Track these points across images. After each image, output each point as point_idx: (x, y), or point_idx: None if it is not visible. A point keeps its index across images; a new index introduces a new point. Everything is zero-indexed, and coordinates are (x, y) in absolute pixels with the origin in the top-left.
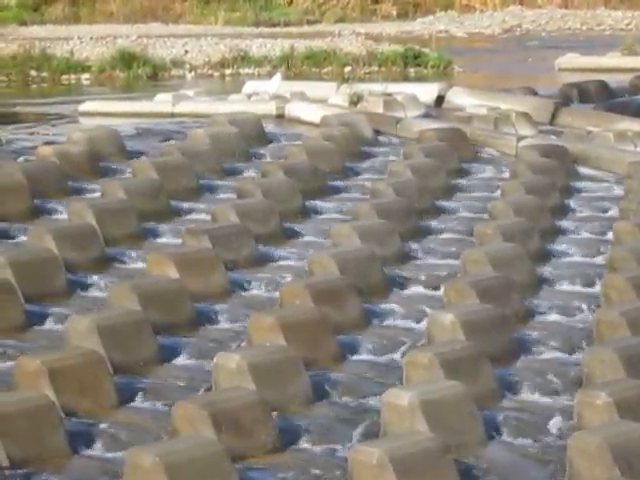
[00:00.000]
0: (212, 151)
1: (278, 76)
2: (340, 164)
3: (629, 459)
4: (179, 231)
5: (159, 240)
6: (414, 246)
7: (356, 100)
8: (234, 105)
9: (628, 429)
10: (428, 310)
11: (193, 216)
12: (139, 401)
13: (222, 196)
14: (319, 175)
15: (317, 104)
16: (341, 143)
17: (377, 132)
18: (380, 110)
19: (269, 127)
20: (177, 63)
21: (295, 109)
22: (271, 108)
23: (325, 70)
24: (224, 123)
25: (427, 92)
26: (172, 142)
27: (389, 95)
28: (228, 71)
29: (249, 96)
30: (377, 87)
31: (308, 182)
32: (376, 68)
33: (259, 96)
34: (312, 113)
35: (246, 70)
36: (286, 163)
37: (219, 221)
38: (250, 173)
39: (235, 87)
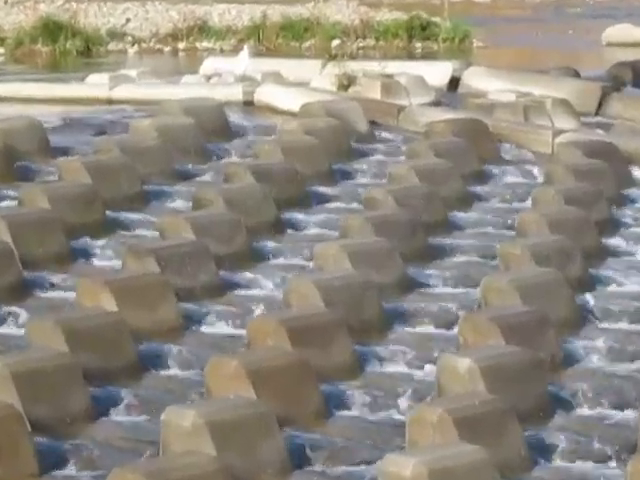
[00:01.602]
0: (161, 148)
1: (246, 52)
2: (326, 165)
3: None
4: (118, 250)
5: (92, 262)
6: (420, 271)
7: (347, 83)
8: (189, 89)
9: None
10: (438, 353)
11: (136, 231)
12: (66, 469)
13: (174, 205)
14: (299, 179)
15: (296, 88)
16: (327, 138)
17: (373, 124)
18: (377, 96)
19: (234, 117)
20: (116, 35)
21: (268, 94)
22: (237, 93)
23: (306, 44)
24: (176, 112)
25: (438, 73)
26: (109, 136)
27: (389, 77)
28: (182, 45)
29: (208, 77)
30: (374, 66)
31: (284, 188)
32: (373, 42)
33: (221, 77)
34: (290, 99)
35: (205, 44)
36: (256, 164)
37: (170, 238)
38: (209, 176)
39: (191, 66)
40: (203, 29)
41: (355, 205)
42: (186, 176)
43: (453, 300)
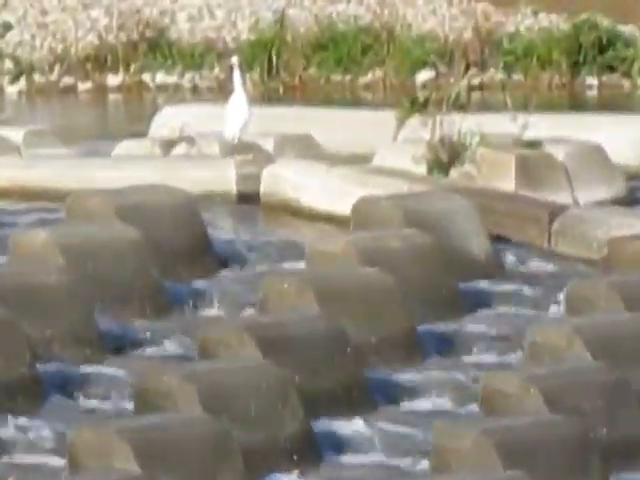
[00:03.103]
0: (72, 289)
1: (242, 93)
2: (404, 326)
3: None
4: None
5: None
6: None
7: (447, 159)
8: (130, 169)
9: None
10: None
11: (28, 457)
12: None
13: (98, 405)
14: (349, 355)
15: (344, 168)
16: (407, 272)
17: (501, 242)
18: (510, 186)
19: (220, 227)
20: None
21: (287, 181)
22: (226, 177)
23: (367, 78)
24: (104, 216)
25: (632, 139)
26: None
27: (533, 146)
28: (114, 78)
29: (169, 144)
30: (502, 125)
31: (320, 373)
32: (500, 75)
33: (194, 146)
34: (332, 192)
35: (160, 77)
36: (265, 323)
37: (92, 469)
38: (170, 346)
39: (133, 120)
40: (157, 46)
41: (465, 407)
42: (122, 345)
43: None
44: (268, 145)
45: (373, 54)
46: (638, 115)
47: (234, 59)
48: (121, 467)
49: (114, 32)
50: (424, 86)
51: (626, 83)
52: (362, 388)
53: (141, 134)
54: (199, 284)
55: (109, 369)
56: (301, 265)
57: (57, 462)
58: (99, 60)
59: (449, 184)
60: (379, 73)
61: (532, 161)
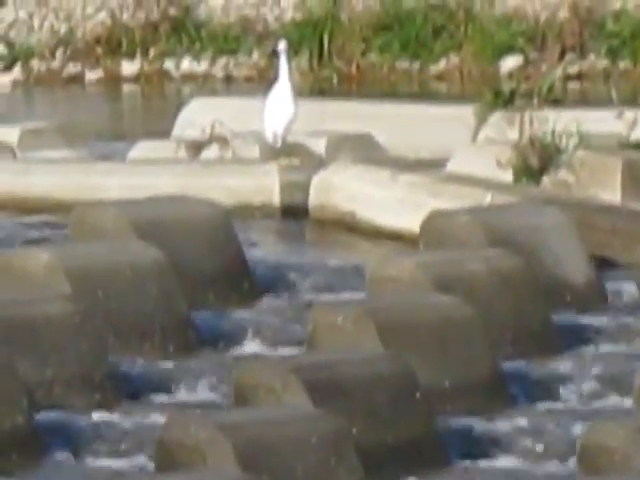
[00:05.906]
0: (78, 323)
1: (287, 84)
2: (485, 368)
3: None
4: None
5: None
6: None
7: (538, 163)
8: (149, 175)
9: None
10: None
11: None
12: None
13: (108, 463)
14: (420, 406)
15: (411, 176)
16: (491, 302)
17: (604, 263)
18: (615, 196)
19: (260, 248)
20: None
21: (342, 190)
22: (267, 186)
23: (440, 65)
24: (119, 232)
25: None
26: None
27: None
28: (129, 65)
29: (195, 146)
30: (605, 121)
31: (381, 428)
32: (604, 61)
33: (227, 147)
34: (397, 204)
35: (186, 64)
36: (314, 367)
37: None
38: (202, 391)
39: (151, 115)
40: (183, 27)
41: (559, 465)
42: (140, 390)
43: None
44: (319, 147)
45: (447, 37)
46: None
47: (281, 44)
48: None
49: (130, 10)
50: (510, 75)
51: None
52: (434, 442)
53: (163, 133)
54: (234, 316)
55: (124, 419)
56: (360, 294)
57: None
58: (111, 44)
59: (541, 194)
60: (454, 60)
61: None
